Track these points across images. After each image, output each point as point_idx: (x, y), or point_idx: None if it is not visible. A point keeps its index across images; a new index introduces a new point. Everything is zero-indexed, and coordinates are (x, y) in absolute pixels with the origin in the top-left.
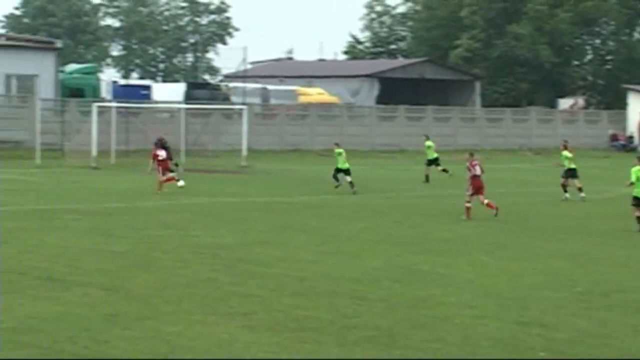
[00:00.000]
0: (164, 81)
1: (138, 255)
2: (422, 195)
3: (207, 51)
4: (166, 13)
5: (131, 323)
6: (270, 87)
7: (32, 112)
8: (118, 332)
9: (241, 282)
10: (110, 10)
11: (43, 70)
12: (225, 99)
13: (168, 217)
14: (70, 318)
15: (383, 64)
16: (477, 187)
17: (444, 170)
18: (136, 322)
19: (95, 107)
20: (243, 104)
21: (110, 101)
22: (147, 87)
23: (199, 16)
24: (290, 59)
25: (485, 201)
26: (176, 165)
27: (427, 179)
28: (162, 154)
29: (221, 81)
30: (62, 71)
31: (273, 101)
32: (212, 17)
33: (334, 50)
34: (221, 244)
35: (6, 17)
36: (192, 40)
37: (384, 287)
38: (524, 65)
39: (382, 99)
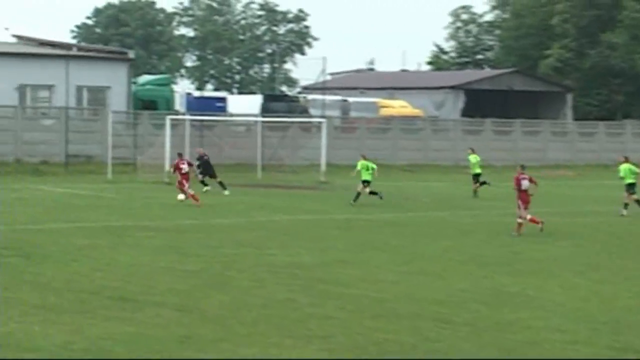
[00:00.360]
0: (240, 93)
1: (212, 275)
2: (511, 212)
3: (284, 62)
4: (242, 22)
5: (205, 345)
6: (350, 99)
7: (104, 125)
8: (192, 354)
9: (319, 303)
10: (185, 19)
11: (115, 81)
12: (304, 112)
13: (243, 235)
14: (143, 339)
15: (469, 75)
16: (525, 202)
17: (484, 183)
18: (211, 344)
19: (168, 119)
20: (322, 116)
21: (184, 114)
22: (223, 99)
23: (276, 25)
24: (372, 69)
25: (528, 217)
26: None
27: (474, 193)
28: (184, 167)
29: (299, 93)
30: (134, 82)
31: (353, 114)
32: (290, 26)
33: (418, 60)
34: (299, 263)
35: (78, 27)
36: (269, 51)
37: (470, 310)
38: (619, 76)
39: (467, 112)
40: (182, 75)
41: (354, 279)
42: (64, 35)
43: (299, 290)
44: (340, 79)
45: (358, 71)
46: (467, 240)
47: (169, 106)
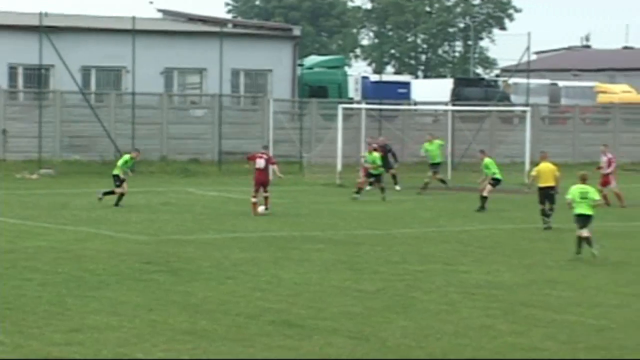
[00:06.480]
0: (426, 77)
1: (393, 296)
2: None
3: (480, 38)
4: None
5: None
6: (561, 83)
7: (264, 116)
8: None
9: (524, 331)
10: None
11: (278, 64)
12: (504, 99)
13: (431, 247)
14: None
15: None
16: (260, 181)
17: None
18: None
19: (341, 109)
20: (526, 105)
21: (359, 102)
22: (406, 85)
23: None
24: (587, 47)
25: (265, 194)
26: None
27: None
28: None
29: (498, 76)
30: (300, 65)
31: (564, 101)
32: None
33: None
34: (498, 282)
35: None
36: (461, 25)
37: None
38: None
39: None
40: (356, 56)
41: (566, 303)
42: (217, 9)
43: (498, 315)
44: (548, 59)
45: (570, 49)
46: None
47: (341, 93)
